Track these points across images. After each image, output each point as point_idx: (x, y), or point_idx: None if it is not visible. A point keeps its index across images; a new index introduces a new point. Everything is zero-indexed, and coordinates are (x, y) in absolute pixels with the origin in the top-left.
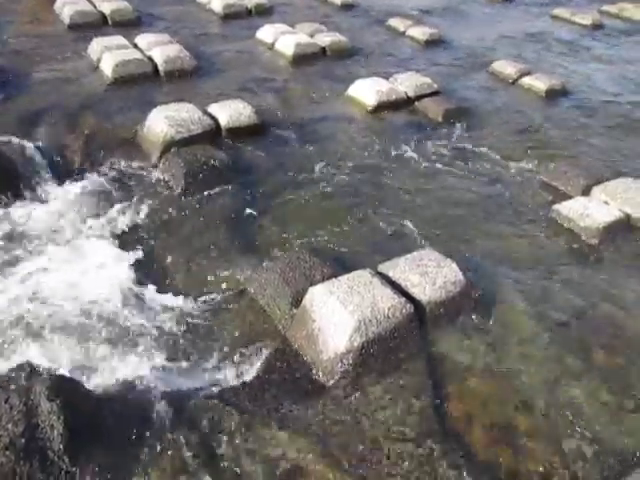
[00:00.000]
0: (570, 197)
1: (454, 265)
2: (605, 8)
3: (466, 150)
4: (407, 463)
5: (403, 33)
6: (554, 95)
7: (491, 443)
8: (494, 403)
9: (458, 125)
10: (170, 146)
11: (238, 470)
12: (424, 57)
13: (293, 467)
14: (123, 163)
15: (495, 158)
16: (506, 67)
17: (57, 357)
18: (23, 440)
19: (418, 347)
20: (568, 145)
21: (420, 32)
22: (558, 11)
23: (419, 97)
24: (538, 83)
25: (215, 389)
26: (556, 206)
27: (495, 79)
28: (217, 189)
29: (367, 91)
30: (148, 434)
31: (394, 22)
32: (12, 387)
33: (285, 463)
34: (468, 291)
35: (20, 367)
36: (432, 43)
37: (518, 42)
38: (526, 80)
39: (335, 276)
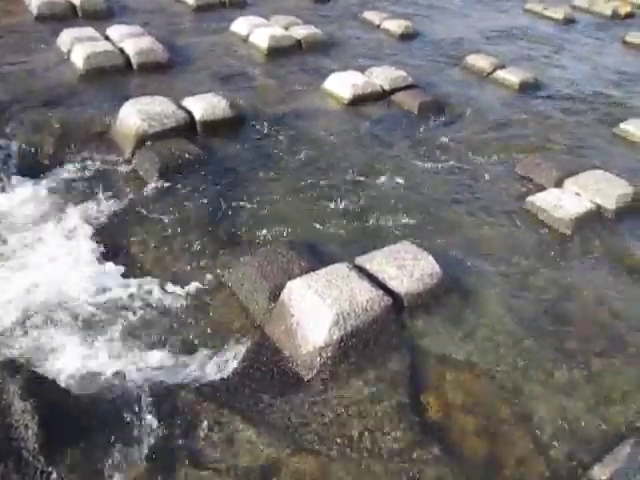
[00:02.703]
0: (543, 189)
1: (430, 257)
2: (577, 3)
3: (441, 142)
4: (387, 456)
5: (378, 26)
6: (527, 88)
7: (470, 434)
8: (472, 393)
9: (433, 118)
10: (143, 140)
11: (217, 465)
12: (399, 50)
13: (272, 461)
14: (95, 157)
15: (469, 150)
16: (480, 61)
17: (29, 351)
18: None
19: (396, 339)
20: (541, 138)
21: (395, 25)
22: (531, 5)
23: (394, 90)
24: (511, 77)
25: (193, 384)
26: (530, 198)
27: (469, 72)
28: (191, 183)
29: (343, 84)
30: (124, 431)
31: (369, 15)
32: None
33: (264, 457)
34: (445, 283)
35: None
36: (407, 36)
37: (492, 36)
38: (500, 74)
39: (313, 270)
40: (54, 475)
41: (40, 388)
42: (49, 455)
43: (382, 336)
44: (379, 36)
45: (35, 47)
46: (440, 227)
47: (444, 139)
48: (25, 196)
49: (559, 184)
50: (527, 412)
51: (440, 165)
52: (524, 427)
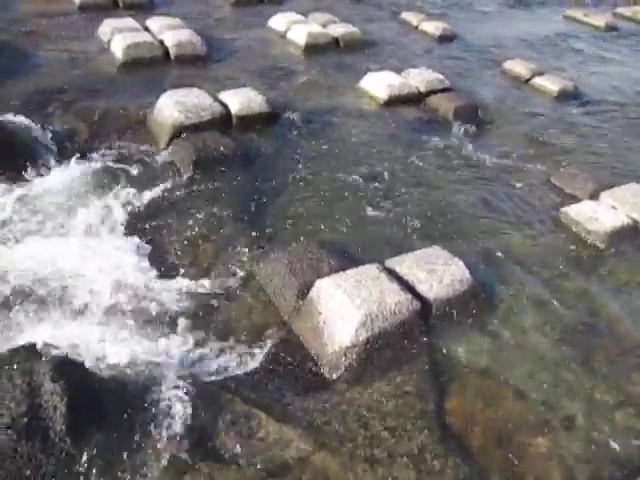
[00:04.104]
0: (578, 200)
1: (461, 263)
2: (619, 10)
3: (475, 148)
4: (407, 459)
5: (416, 27)
6: (566, 97)
7: (491, 444)
8: (496, 404)
9: (468, 123)
10: (179, 131)
11: (237, 459)
12: (436, 52)
13: (293, 458)
14: (131, 146)
15: (504, 158)
16: (518, 66)
17: (58, 335)
18: (25, 420)
19: (423, 344)
20: (578, 148)
21: (433, 27)
22: (571, 12)
23: (430, 93)
24: (550, 84)
25: (218, 377)
26: (564, 209)
27: (507, 78)
28: (225, 176)
29: (379, 84)
30: (149, 418)
31: (407, 16)
32: (15, 366)
33: (285, 454)
34: (474, 290)
35: (24, 346)
36: (444, 39)
37: (531, 41)
38: (538, 80)
39: (342, 269)
40: (79, 457)
41: (69, 370)
42: (75, 437)
43: (409, 340)
44: (417, 37)
45: (77, 36)
46: (470, 234)
47: (478, 145)
48: (62, 181)
49: (595, 196)
50: (552, 426)
51: (472, 171)
52: (547, 441)
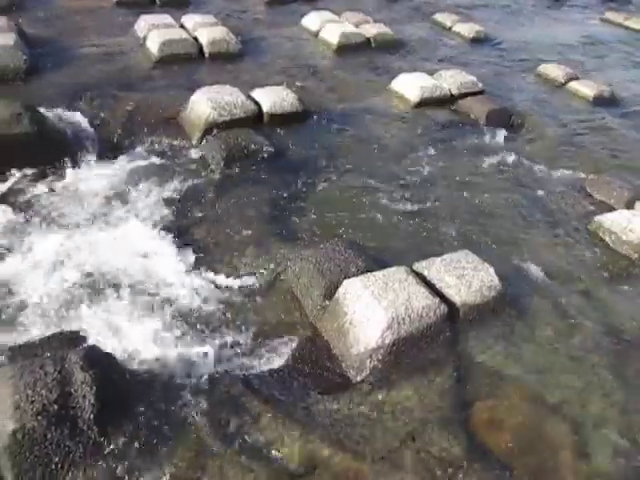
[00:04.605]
0: (613, 209)
1: (491, 270)
2: None
3: (507, 153)
4: (429, 465)
5: (449, 29)
6: (602, 102)
7: (518, 453)
8: (521, 412)
9: (501, 127)
10: (212, 128)
11: (260, 456)
12: (469, 54)
13: (314, 458)
14: (164, 142)
15: (537, 163)
16: (553, 70)
17: (92, 326)
18: (56, 407)
19: (449, 349)
20: (613, 155)
21: (466, 29)
22: (610, 15)
23: (463, 95)
24: (586, 89)
25: (242, 373)
26: (598, 217)
27: (541, 82)
28: (255, 174)
29: (410, 86)
30: (174, 412)
31: (440, 17)
32: (47, 354)
33: (307, 453)
34: (503, 297)
35: (56, 335)
36: (478, 41)
37: (567, 45)
38: (573, 85)
39: (370, 271)
40: (105, 446)
41: (99, 361)
42: (102, 426)
43: (435, 345)
44: (450, 39)
45: (113, 31)
46: (500, 240)
47: (510, 150)
48: (95, 175)
49: (630, 206)
50: (581, 437)
51: (504, 177)
52: (576, 453)
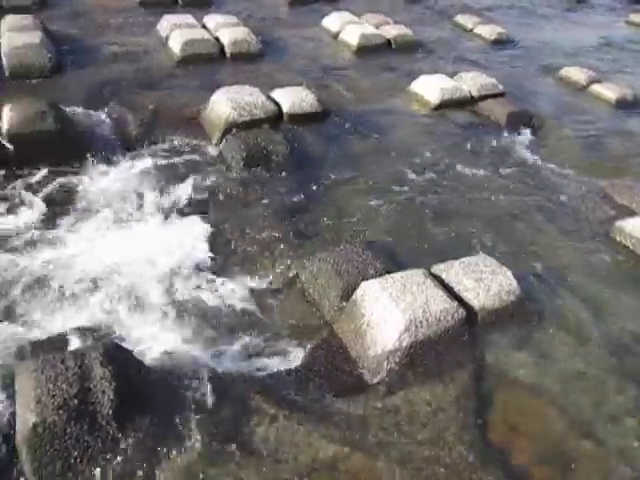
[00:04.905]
0: (634, 214)
1: (509, 274)
2: None
3: (527, 156)
4: (444, 469)
5: (470, 30)
6: (625, 105)
7: (533, 461)
8: (538, 419)
9: (521, 130)
10: (232, 128)
11: (274, 456)
12: (490, 56)
13: (329, 460)
14: (185, 141)
15: (557, 167)
16: (575, 73)
17: (108, 322)
18: (75, 401)
19: (466, 354)
20: (635, 159)
21: (488, 30)
22: (635, 17)
23: (483, 97)
24: (608, 92)
25: (259, 373)
26: (619, 222)
27: (563, 84)
28: (275, 174)
29: (430, 88)
30: (191, 410)
31: (462, 18)
32: (68, 349)
33: (322, 455)
34: (522, 302)
35: (77, 330)
36: (500, 43)
37: (590, 47)
38: (596, 88)
39: (388, 273)
40: (123, 442)
41: (118, 357)
42: (120, 422)
43: (452, 348)
44: (471, 40)
45: (136, 31)
46: (519, 244)
47: (530, 153)
48: (116, 172)
49: None
50: (598, 447)
51: (524, 180)
52: (591, 462)
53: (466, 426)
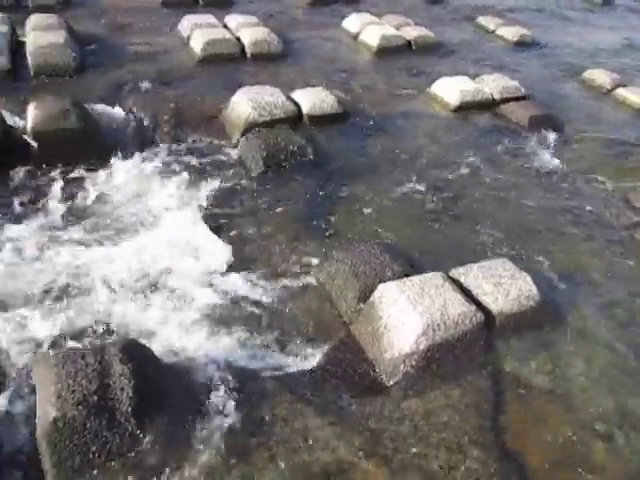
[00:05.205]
0: None
1: (529, 279)
2: None
3: (549, 161)
4: (460, 475)
5: (492, 32)
6: None
7: (550, 468)
8: (555, 426)
9: (543, 133)
10: (252, 128)
11: (289, 457)
12: (513, 59)
13: (344, 462)
14: (205, 140)
15: (579, 173)
16: (599, 76)
17: (126, 322)
18: (95, 397)
19: (484, 358)
20: None
21: (510, 32)
22: None
23: (504, 100)
24: (633, 96)
25: (275, 372)
26: None
27: (587, 88)
28: (293, 174)
29: (451, 89)
30: (208, 408)
31: (484, 20)
32: (88, 345)
33: (337, 457)
34: (541, 307)
35: (96, 327)
36: (522, 45)
37: (615, 51)
38: (620, 92)
39: (405, 275)
40: (141, 438)
41: (138, 354)
42: (139, 419)
43: (469, 353)
44: (493, 42)
45: (158, 30)
46: (540, 249)
47: (552, 158)
48: (137, 170)
49: None
50: (616, 457)
51: (545, 184)
52: (609, 470)
53: (483, 431)
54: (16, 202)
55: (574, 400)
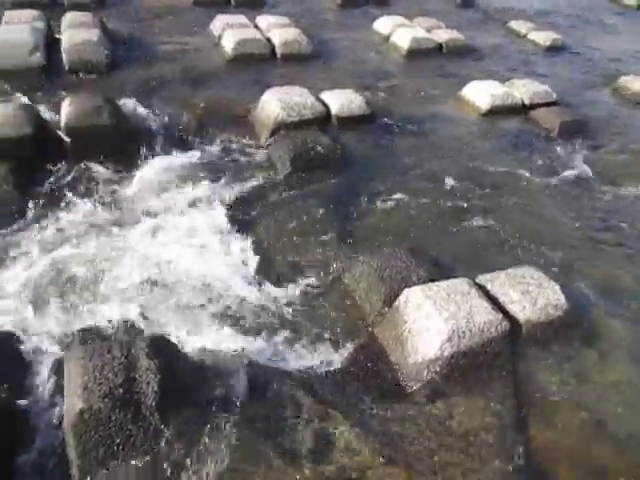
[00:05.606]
0: None
1: (557, 288)
2: None
3: (579, 169)
4: None
5: (524, 36)
6: None
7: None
8: (581, 440)
9: (574, 140)
10: (280, 128)
11: (309, 458)
12: (544, 63)
13: (364, 467)
14: (233, 139)
15: (609, 182)
16: (635, 83)
17: (158, 316)
18: (121, 390)
19: (509, 367)
20: None
21: (542, 36)
22: None
23: (535, 105)
24: None
25: (298, 372)
26: None
27: (621, 95)
28: (322, 175)
29: (481, 93)
30: (231, 406)
31: (515, 24)
32: (115, 339)
33: (355, 461)
34: (569, 318)
35: (124, 321)
36: (554, 49)
37: None
38: None
39: (431, 280)
40: (165, 432)
41: (164, 350)
42: (163, 414)
43: (494, 361)
44: (524, 46)
45: (190, 30)
46: (569, 258)
47: (583, 165)
48: (166, 167)
49: None
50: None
51: (575, 192)
52: None
53: (505, 441)
54: (50, 194)
55: (600, 415)
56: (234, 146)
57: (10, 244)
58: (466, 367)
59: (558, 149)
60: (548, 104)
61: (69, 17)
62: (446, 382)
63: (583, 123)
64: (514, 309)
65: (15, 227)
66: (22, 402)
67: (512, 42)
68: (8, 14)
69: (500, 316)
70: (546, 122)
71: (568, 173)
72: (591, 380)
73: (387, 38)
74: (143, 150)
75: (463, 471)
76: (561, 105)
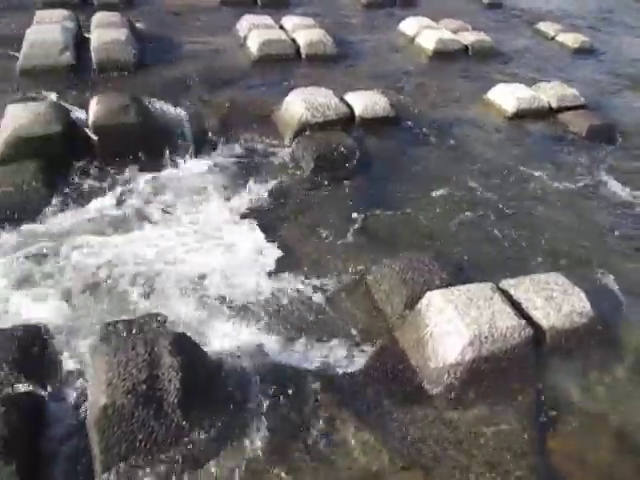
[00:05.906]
0: None
1: (583, 295)
2: None
3: (607, 173)
4: None
5: (552, 38)
6: None
7: None
8: (603, 450)
9: (602, 145)
10: (304, 129)
11: (328, 459)
12: (572, 66)
13: (382, 471)
14: (257, 139)
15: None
16: None
17: (179, 315)
18: (144, 387)
19: (530, 374)
20: None
21: (571, 39)
22: None
23: (562, 109)
24: None
25: (319, 373)
26: None
27: None
28: (345, 176)
29: (507, 96)
30: (251, 405)
31: (543, 26)
32: (139, 336)
33: (375, 465)
34: (594, 325)
35: (148, 318)
36: (583, 52)
37: None
38: None
39: (453, 285)
40: (187, 430)
41: (186, 348)
42: (185, 411)
43: (516, 368)
44: (552, 49)
45: (216, 30)
46: (593, 265)
47: (611, 169)
48: (191, 166)
49: None
50: None
51: (603, 198)
52: None
53: (526, 450)
54: (78, 192)
55: (624, 425)
56: (258, 146)
57: (38, 238)
58: (487, 373)
59: (586, 153)
60: (576, 107)
61: (98, 17)
62: (467, 387)
63: (612, 127)
64: (538, 315)
65: (44, 223)
66: (47, 394)
67: (539, 44)
68: (39, 14)
69: (523, 322)
70: (574, 126)
71: (596, 179)
72: (617, 390)
73: (412, 39)
74: (169, 148)
75: (483, 478)
76: (589, 108)
